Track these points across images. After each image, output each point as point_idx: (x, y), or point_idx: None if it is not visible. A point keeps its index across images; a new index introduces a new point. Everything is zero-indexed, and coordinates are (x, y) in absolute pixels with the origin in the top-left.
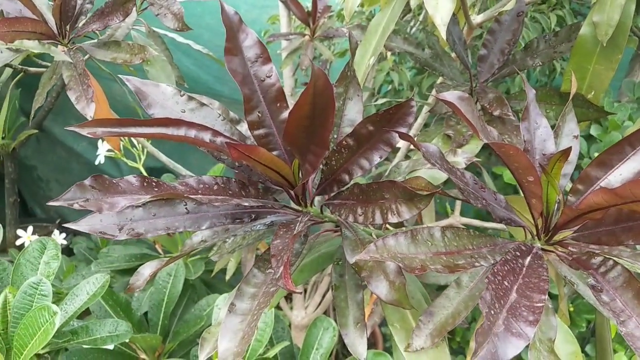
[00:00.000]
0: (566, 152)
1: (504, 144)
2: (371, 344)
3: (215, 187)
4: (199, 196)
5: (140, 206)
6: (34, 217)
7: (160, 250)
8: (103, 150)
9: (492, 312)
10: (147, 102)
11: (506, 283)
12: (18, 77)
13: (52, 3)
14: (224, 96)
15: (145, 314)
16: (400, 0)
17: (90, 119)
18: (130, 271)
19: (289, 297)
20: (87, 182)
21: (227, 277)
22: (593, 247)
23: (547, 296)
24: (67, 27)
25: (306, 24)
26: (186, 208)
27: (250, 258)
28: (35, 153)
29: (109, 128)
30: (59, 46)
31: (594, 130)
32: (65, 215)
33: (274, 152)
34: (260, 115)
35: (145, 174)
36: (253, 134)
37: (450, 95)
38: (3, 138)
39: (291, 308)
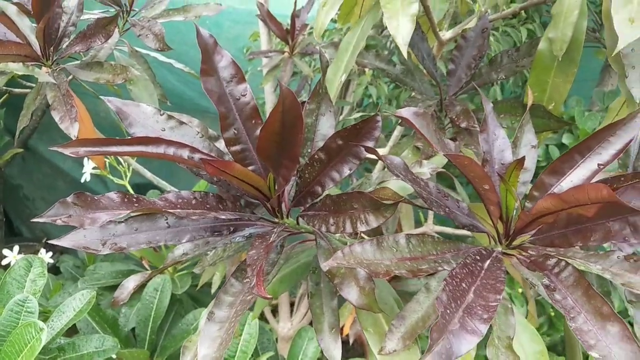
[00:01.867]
0: (521, 162)
1: (458, 155)
2: (360, 354)
3: (194, 201)
4: (178, 210)
5: (122, 222)
6: (20, 237)
7: (147, 266)
8: (89, 168)
9: (448, 311)
10: (128, 122)
11: (464, 285)
12: (2, 98)
13: (36, 26)
14: (210, 112)
15: (133, 329)
16: (369, 20)
17: (74, 138)
18: (117, 288)
19: (275, 310)
20: (69, 199)
21: (213, 291)
22: (549, 249)
23: (502, 296)
24: (51, 49)
25: (285, 42)
26: (167, 222)
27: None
28: (21, 172)
29: (90, 147)
30: (43, 68)
31: (566, 139)
32: (51, 234)
33: (251, 167)
34: (236, 132)
35: (131, 191)
36: (230, 150)
37: (406, 112)
38: None
39: (277, 321)
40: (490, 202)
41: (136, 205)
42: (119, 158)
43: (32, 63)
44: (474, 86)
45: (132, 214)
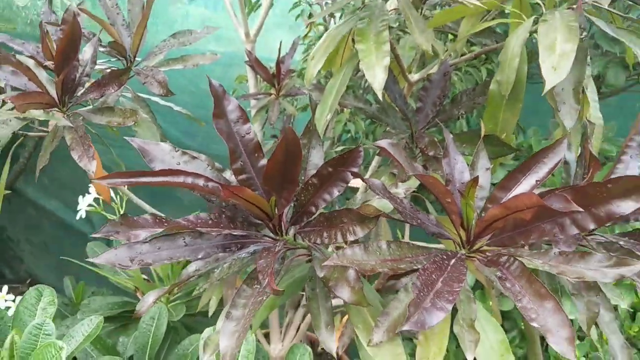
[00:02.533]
0: (476, 180)
1: (425, 175)
2: None
3: (210, 221)
4: (200, 228)
5: (147, 241)
6: (3, 278)
7: (140, 297)
8: (84, 205)
9: (422, 294)
10: (149, 158)
11: (434, 276)
12: (19, 141)
13: (48, 76)
14: (194, 149)
15: (131, 357)
16: (349, 68)
17: (92, 175)
18: (113, 318)
19: (267, 335)
20: (117, 220)
21: (210, 314)
22: (502, 250)
23: (463, 285)
24: (67, 97)
25: (272, 85)
26: (184, 241)
27: (231, 294)
28: (5, 214)
29: (126, 179)
30: (60, 113)
31: None
32: (36, 276)
33: (256, 192)
34: (242, 163)
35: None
36: (237, 178)
37: (383, 142)
38: None
39: (269, 343)
40: (453, 213)
41: (165, 224)
42: (113, 194)
43: (51, 109)
44: (437, 116)
45: (156, 235)
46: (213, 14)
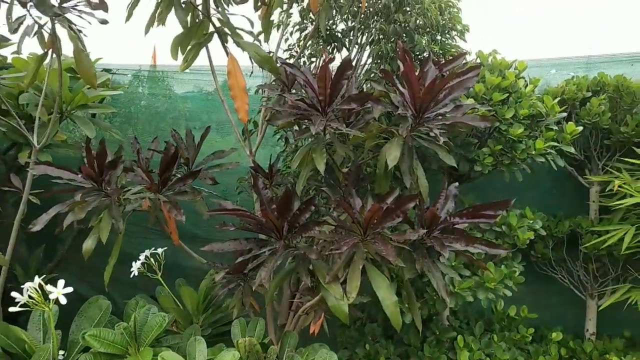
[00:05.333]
0: (364, 206)
1: (340, 201)
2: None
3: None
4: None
5: (224, 243)
6: None
7: (176, 329)
8: (135, 267)
9: (339, 245)
10: (223, 206)
11: (343, 243)
12: (130, 214)
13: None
14: (200, 237)
15: None
16: (310, 165)
17: (183, 222)
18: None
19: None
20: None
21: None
22: (378, 233)
23: (356, 244)
24: (164, 187)
25: (267, 178)
26: (240, 242)
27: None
28: None
29: (221, 211)
30: (159, 194)
31: None
32: None
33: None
34: (264, 206)
35: (163, 284)
36: (262, 211)
37: (324, 189)
38: None
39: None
40: (353, 219)
41: (240, 226)
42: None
43: (156, 192)
44: (358, 188)
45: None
46: (221, 139)
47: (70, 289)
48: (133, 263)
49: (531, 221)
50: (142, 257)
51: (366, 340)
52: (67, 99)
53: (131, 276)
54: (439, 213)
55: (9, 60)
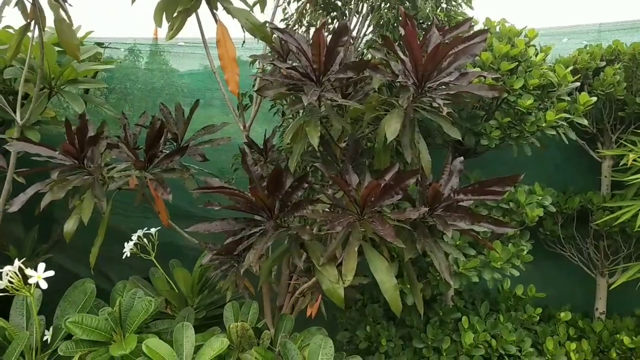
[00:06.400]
0: (361, 183)
1: (334, 177)
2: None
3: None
4: (240, 211)
5: (211, 223)
6: None
7: (170, 311)
8: (128, 249)
9: (333, 224)
10: (209, 184)
11: (336, 224)
12: (115, 192)
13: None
14: (197, 216)
15: None
16: (304, 140)
17: (170, 200)
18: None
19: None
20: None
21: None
22: (378, 210)
23: (350, 222)
24: (150, 164)
25: (261, 154)
26: (228, 223)
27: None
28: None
29: (207, 190)
30: (144, 172)
31: None
32: None
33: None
34: (254, 183)
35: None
36: (252, 190)
37: (317, 164)
38: None
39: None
40: (350, 197)
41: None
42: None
43: (142, 170)
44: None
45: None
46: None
47: (51, 273)
48: (125, 244)
49: (540, 197)
50: (134, 237)
51: (367, 322)
52: (55, 73)
53: (123, 257)
54: (442, 189)
55: None
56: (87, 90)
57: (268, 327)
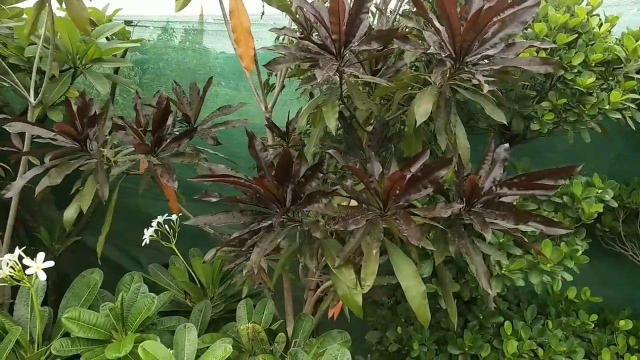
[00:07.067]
0: (383, 174)
1: (350, 165)
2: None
3: (248, 201)
4: (244, 204)
5: (213, 216)
6: None
7: (189, 302)
8: (147, 235)
9: (351, 222)
10: (215, 171)
11: (357, 219)
12: (122, 178)
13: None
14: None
15: None
16: (322, 123)
17: (174, 188)
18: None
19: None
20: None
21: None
22: (407, 206)
23: (369, 218)
24: (157, 147)
25: (282, 139)
26: (233, 215)
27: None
28: (70, 261)
29: (210, 178)
30: (150, 156)
31: None
32: None
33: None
34: (262, 172)
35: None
36: (260, 177)
37: (330, 151)
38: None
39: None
40: (371, 189)
41: (229, 199)
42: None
43: (148, 154)
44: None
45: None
46: (236, 94)
47: (51, 263)
48: (145, 230)
49: (600, 191)
50: (154, 223)
51: (399, 322)
52: (80, 52)
53: (142, 244)
54: (482, 182)
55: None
56: (116, 71)
57: (286, 327)
